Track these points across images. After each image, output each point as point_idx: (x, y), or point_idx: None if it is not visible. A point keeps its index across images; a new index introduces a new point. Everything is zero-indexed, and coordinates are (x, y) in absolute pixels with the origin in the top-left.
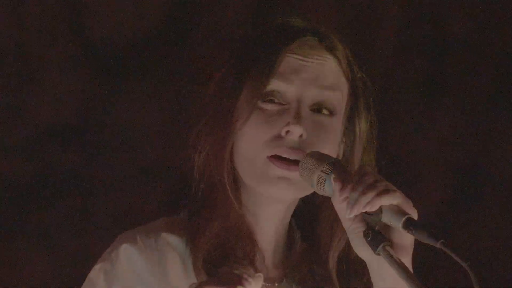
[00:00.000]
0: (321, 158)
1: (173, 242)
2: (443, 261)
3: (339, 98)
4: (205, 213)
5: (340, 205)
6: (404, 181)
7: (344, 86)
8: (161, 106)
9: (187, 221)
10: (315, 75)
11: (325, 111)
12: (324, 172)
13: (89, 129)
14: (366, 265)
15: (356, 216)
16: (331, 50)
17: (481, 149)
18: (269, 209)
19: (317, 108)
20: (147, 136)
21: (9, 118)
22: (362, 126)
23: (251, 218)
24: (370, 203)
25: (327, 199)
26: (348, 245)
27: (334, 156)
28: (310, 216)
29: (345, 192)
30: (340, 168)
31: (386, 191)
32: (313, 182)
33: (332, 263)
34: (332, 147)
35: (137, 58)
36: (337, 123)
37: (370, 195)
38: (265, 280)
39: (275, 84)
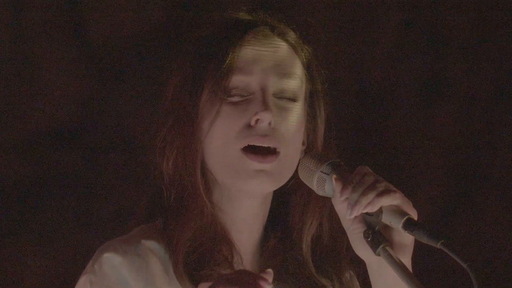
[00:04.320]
0: (321, 158)
1: (153, 247)
2: (442, 262)
3: (298, 84)
4: (179, 217)
5: (340, 205)
6: (403, 181)
7: (302, 72)
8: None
9: (162, 227)
10: (274, 63)
11: (288, 98)
12: (324, 173)
13: (88, 129)
14: (340, 250)
15: (356, 216)
16: (284, 36)
17: (480, 148)
18: (244, 205)
19: (280, 96)
20: (146, 136)
21: (9, 118)
22: (322, 110)
23: (226, 219)
24: (371, 204)
25: (297, 186)
26: (320, 229)
27: (300, 142)
28: (280, 204)
29: (345, 193)
30: (340, 169)
31: (386, 192)
32: (313, 183)
33: (306, 248)
34: (299, 133)
35: (137, 58)
36: (301, 109)
37: (371, 195)
38: None
39: (236, 79)
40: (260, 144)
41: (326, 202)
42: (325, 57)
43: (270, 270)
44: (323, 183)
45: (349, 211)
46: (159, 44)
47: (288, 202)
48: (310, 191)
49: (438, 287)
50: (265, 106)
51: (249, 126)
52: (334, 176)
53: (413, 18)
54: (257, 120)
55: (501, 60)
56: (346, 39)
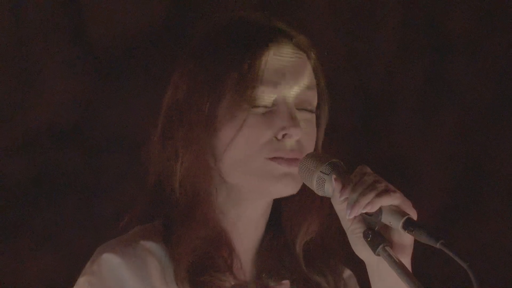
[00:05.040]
0: (320, 158)
1: (151, 248)
2: (442, 262)
3: (315, 95)
4: (185, 222)
5: (340, 205)
6: (403, 181)
7: (314, 82)
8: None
9: (163, 229)
10: (296, 75)
11: (307, 109)
12: (324, 173)
13: (88, 129)
14: (336, 249)
15: (355, 216)
16: (301, 46)
17: (482, 150)
18: (250, 208)
19: (301, 108)
20: (147, 136)
21: (9, 118)
22: (325, 112)
23: (228, 222)
24: (370, 204)
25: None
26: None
27: None
28: (278, 203)
29: (345, 193)
30: (340, 169)
31: (386, 192)
32: (313, 183)
33: (299, 249)
34: (315, 143)
35: (137, 58)
36: (314, 118)
37: (370, 195)
38: (243, 284)
39: (262, 89)
40: (288, 157)
41: (325, 202)
42: (325, 58)
43: (287, 281)
44: (322, 183)
45: (349, 211)
46: (160, 45)
47: (287, 202)
48: (309, 191)
49: (438, 287)
50: (294, 122)
51: (274, 139)
52: (334, 176)
53: (413, 18)
54: (284, 135)
55: (504, 61)
56: (345, 39)
